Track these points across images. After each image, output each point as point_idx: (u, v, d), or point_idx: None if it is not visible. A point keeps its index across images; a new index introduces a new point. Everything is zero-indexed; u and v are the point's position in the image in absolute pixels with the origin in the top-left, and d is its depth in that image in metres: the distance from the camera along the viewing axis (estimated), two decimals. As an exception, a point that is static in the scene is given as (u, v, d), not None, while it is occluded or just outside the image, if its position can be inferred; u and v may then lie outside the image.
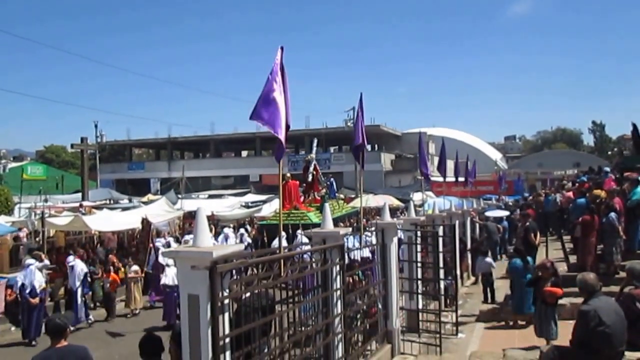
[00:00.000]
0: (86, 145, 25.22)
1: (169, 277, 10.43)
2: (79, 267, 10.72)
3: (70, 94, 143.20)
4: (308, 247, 5.62)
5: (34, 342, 9.29)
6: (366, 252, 7.50)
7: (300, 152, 40.97)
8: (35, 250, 11.80)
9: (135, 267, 12.15)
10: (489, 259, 10.20)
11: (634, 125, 14.79)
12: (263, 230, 15.77)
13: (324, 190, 16.96)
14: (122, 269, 12.06)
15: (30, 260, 10.02)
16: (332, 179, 19.10)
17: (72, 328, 9.77)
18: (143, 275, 12.59)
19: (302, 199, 16.24)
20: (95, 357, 8.89)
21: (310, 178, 16.19)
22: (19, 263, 14.02)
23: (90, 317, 10.81)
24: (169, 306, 10.22)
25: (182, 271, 3.21)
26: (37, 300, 9.40)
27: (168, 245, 13.68)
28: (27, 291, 9.34)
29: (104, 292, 11.60)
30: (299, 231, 12.39)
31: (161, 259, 11.59)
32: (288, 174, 16.59)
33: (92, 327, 10.60)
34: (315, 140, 18.02)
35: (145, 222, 11.73)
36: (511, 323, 8.24)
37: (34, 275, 9.53)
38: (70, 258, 10.94)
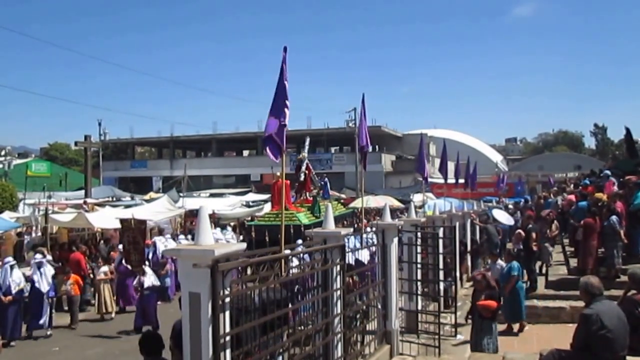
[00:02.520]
0: (90, 143, 25.32)
1: (148, 279, 9.93)
2: (47, 267, 9.90)
3: (75, 92, 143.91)
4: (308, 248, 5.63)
5: (12, 343, 8.96)
6: (365, 255, 7.38)
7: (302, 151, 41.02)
8: (39, 246, 11.81)
9: (105, 269, 11.21)
10: (500, 263, 9.56)
11: (627, 130, 14.91)
12: (252, 230, 14.56)
13: (316, 191, 16.30)
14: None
15: (8, 259, 9.65)
16: (326, 179, 18.13)
17: (49, 332, 9.54)
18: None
19: (293, 199, 15.58)
20: (95, 353, 8.98)
21: (302, 177, 15.53)
22: (22, 259, 14.09)
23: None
24: (148, 309, 9.70)
25: (184, 269, 3.24)
26: (9, 298, 8.96)
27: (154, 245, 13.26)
28: (2, 291, 8.98)
29: (66, 297, 10.63)
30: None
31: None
32: (277, 173, 15.76)
33: (86, 326, 10.34)
34: (308, 139, 17.29)
35: (135, 221, 10.77)
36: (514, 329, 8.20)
37: (9, 273, 9.18)
38: (38, 256, 10.01)
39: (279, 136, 4.79)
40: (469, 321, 7.37)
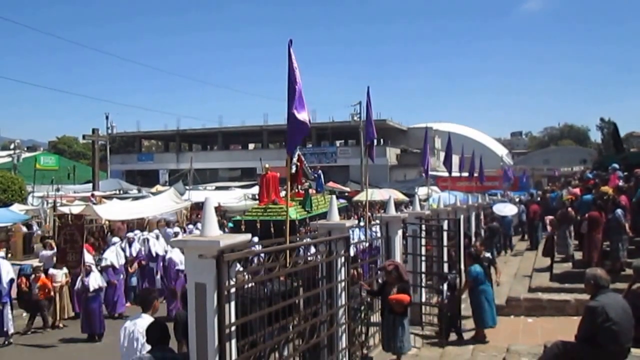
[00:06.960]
0: (97, 137, 25.51)
1: (93, 281, 8.88)
2: (5, 267, 8.70)
3: (83, 87, 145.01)
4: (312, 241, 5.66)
5: None
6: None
7: (307, 145, 41.01)
8: (47, 239, 11.94)
9: (65, 271, 9.92)
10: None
11: (614, 125, 15.03)
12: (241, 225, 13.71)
13: (308, 184, 15.48)
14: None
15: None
16: (319, 172, 17.24)
17: (11, 340, 8.78)
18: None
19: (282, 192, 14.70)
20: (104, 344, 9.09)
21: (293, 169, 14.17)
22: (31, 251, 14.29)
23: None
24: (92, 314, 8.75)
25: (190, 260, 3.29)
26: None
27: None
28: None
29: (32, 300, 9.54)
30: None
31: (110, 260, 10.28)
32: (267, 165, 15.30)
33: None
34: None
35: (72, 217, 9.43)
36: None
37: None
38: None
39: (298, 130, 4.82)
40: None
